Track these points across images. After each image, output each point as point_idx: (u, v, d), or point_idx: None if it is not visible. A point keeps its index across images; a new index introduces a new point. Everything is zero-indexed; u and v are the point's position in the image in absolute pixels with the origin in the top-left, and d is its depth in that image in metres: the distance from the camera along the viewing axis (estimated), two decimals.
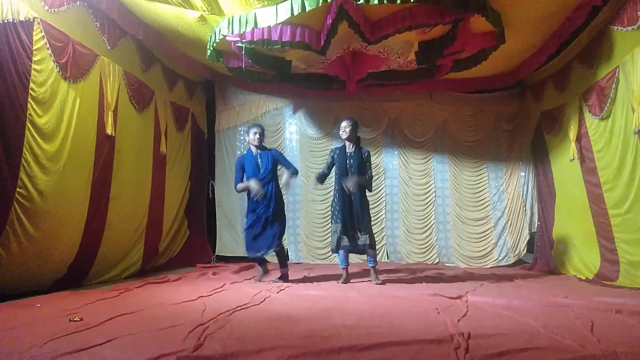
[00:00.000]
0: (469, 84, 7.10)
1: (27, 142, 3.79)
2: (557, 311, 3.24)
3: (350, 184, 4.78)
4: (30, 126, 3.82)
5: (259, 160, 4.97)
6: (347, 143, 5.01)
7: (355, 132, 4.99)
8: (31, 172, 3.82)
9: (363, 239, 4.83)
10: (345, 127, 4.95)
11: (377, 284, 4.79)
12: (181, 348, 2.20)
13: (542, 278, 5.55)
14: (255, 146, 5.01)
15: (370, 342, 2.31)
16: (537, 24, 5.12)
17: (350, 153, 4.96)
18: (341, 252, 4.92)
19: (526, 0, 4.61)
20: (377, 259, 5.27)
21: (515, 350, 2.21)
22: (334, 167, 5.03)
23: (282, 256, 5.07)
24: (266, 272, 5.09)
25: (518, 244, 7.10)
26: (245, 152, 5.34)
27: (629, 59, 4.33)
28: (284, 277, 4.98)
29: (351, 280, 5.00)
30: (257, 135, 4.99)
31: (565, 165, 6.00)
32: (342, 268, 4.96)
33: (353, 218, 4.84)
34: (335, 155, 5.01)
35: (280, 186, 5.03)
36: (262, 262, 5.08)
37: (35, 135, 3.87)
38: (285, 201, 5.33)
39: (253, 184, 4.82)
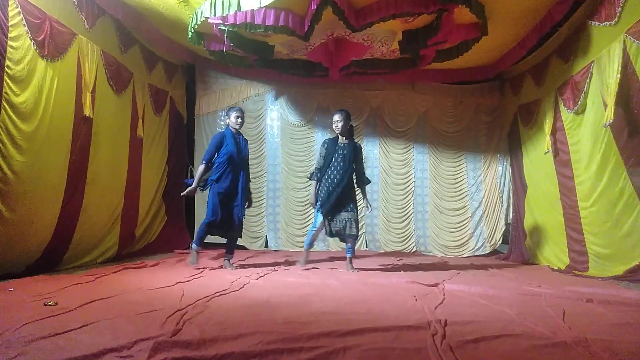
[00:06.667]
0: (451, 75, 7.16)
1: (2, 121, 3.66)
2: (531, 300, 3.33)
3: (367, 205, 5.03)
4: (6, 105, 3.68)
5: (240, 142, 5.01)
6: (339, 136, 5.00)
7: (347, 125, 4.95)
8: (7, 152, 3.70)
9: (350, 227, 4.83)
10: (337, 122, 4.90)
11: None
12: (159, 333, 2.18)
13: (517, 268, 5.68)
14: (236, 129, 5.01)
15: (348, 329, 2.33)
16: (519, 17, 5.18)
17: (343, 144, 4.96)
18: (314, 232, 4.99)
19: None
20: (356, 248, 5.30)
21: (490, 337, 2.26)
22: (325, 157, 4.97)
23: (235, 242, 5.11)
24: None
25: (494, 234, 7.25)
26: (223, 130, 5.25)
27: (605, 54, 4.40)
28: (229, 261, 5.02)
29: (328, 268, 5.03)
30: (239, 119, 5.01)
31: (537, 158, 6.12)
32: (306, 249, 5.08)
33: (341, 207, 4.85)
34: (327, 146, 4.98)
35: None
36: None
37: (12, 114, 3.74)
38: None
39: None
